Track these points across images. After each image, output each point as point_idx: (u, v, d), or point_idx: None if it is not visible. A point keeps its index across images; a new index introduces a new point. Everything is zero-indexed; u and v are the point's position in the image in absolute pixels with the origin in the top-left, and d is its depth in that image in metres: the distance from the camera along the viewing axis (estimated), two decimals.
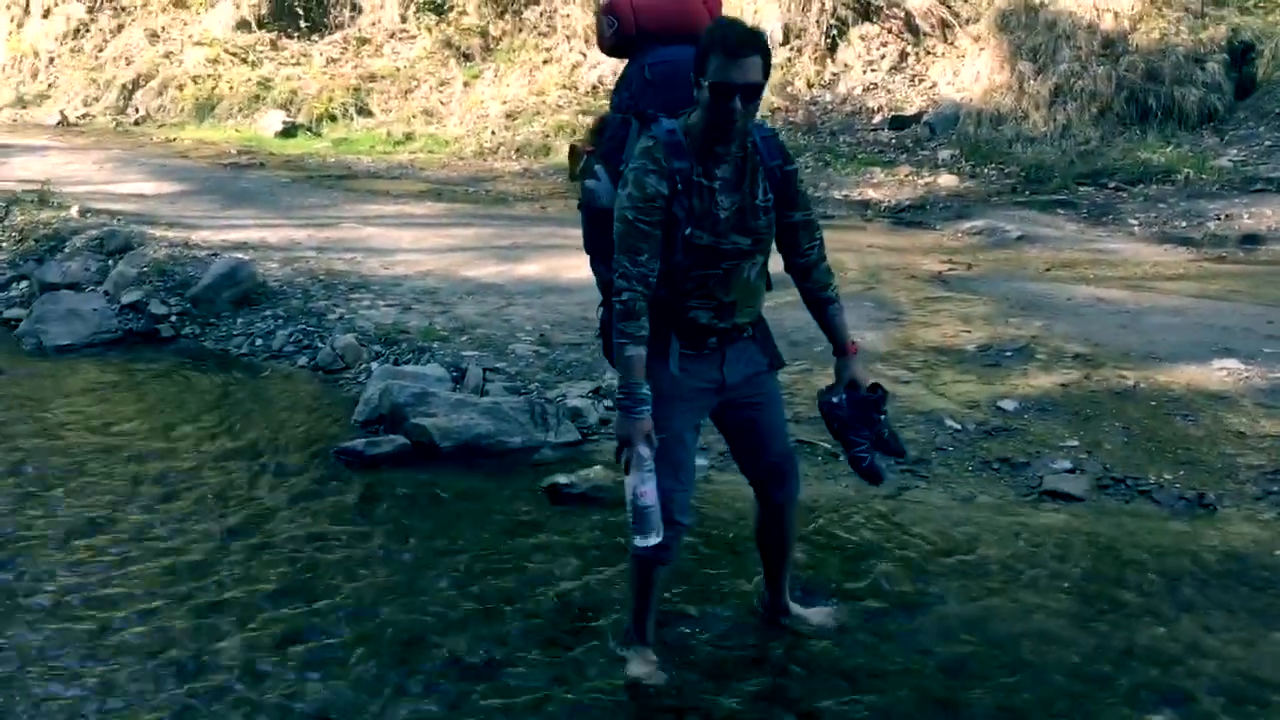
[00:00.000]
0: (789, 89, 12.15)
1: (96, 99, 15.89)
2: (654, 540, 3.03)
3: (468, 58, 14.49)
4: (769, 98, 11.88)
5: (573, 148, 3.30)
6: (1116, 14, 10.92)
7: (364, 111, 14.12)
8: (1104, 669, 3.32)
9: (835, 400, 3.20)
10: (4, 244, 8.13)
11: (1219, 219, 8.46)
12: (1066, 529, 4.13)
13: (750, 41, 2.89)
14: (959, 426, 4.92)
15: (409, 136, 13.31)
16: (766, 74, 2.93)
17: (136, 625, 3.68)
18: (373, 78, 14.56)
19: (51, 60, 16.96)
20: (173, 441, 5.24)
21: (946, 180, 9.98)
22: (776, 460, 3.30)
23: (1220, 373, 5.34)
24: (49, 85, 16.71)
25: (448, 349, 6.05)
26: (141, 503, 4.59)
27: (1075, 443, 4.74)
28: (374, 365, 5.89)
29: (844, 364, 3.23)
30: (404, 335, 6.30)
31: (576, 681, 3.33)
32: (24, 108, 16.33)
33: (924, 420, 4.99)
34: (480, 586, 3.86)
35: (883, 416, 3.20)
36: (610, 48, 3.26)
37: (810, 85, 12.23)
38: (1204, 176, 9.26)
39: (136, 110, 15.43)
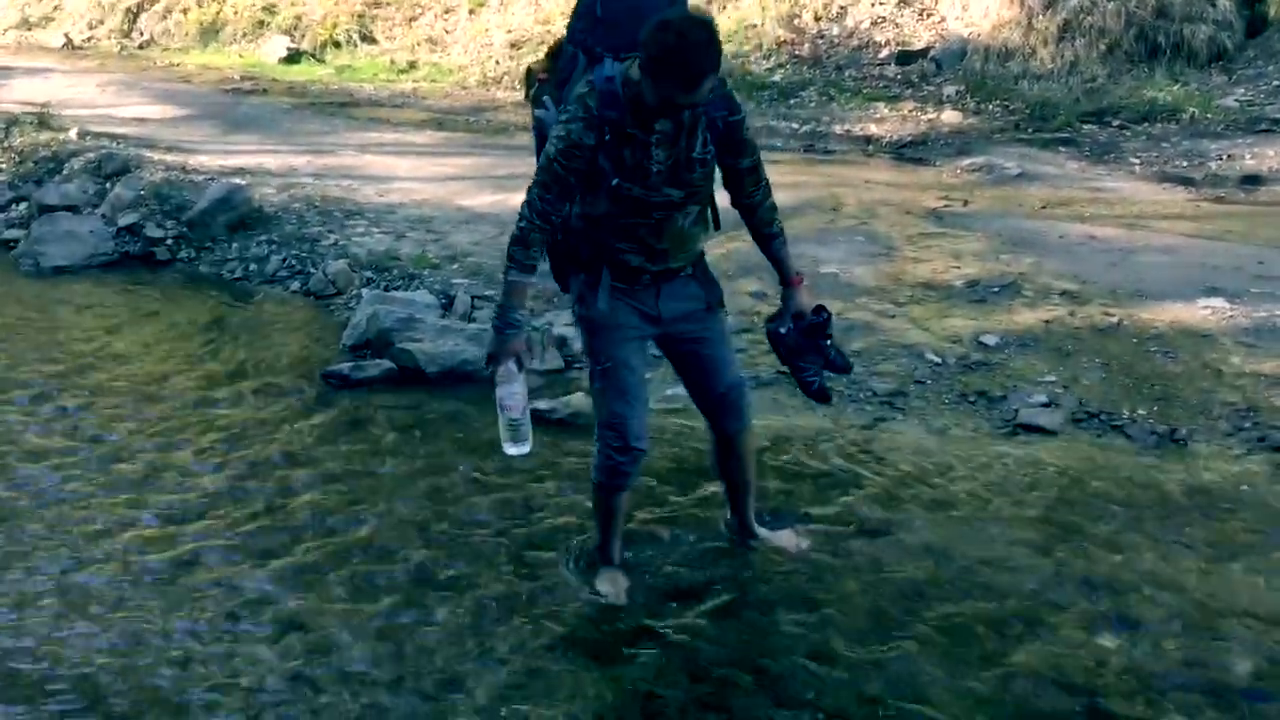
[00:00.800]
0: (796, 22, 11.99)
1: (101, 22, 15.77)
2: (524, 449, 3.18)
3: None
4: (774, 31, 11.78)
5: (529, 69, 3.31)
6: None
7: (368, 39, 13.99)
8: (1060, 595, 3.39)
9: (783, 330, 3.27)
10: (3, 166, 8.16)
11: (1221, 159, 8.38)
12: (1037, 461, 4.18)
13: (706, 63, 2.78)
14: (939, 360, 4.96)
15: (412, 65, 13.19)
16: (719, 66, 2.84)
17: (116, 535, 3.80)
18: (377, 4, 14.40)
19: None
20: (164, 362, 5.32)
21: (950, 116, 9.88)
22: (724, 392, 3.34)
23: (1205, 311, 5.35)
24: (54, 8, 16.57)
25: (438, 276, 6.09)
26: (129, 419, 4.69)
27: (1053, 378, 4.77)
28: (364, 291, 5.93)
29: (790, 294, 3.29)
30: (396, 262, 6.34)
31: (544, 598, 3.43)
32: (29, 30, 16.23)
33: (905, 354, 5.03)
34: (456, 506, 3.96)
35: (828, 340, 3.27)
36: None
37: (817, 19, 12.05)
38: (1209, 116, 9.15)
39: (141, 34, 15.32)
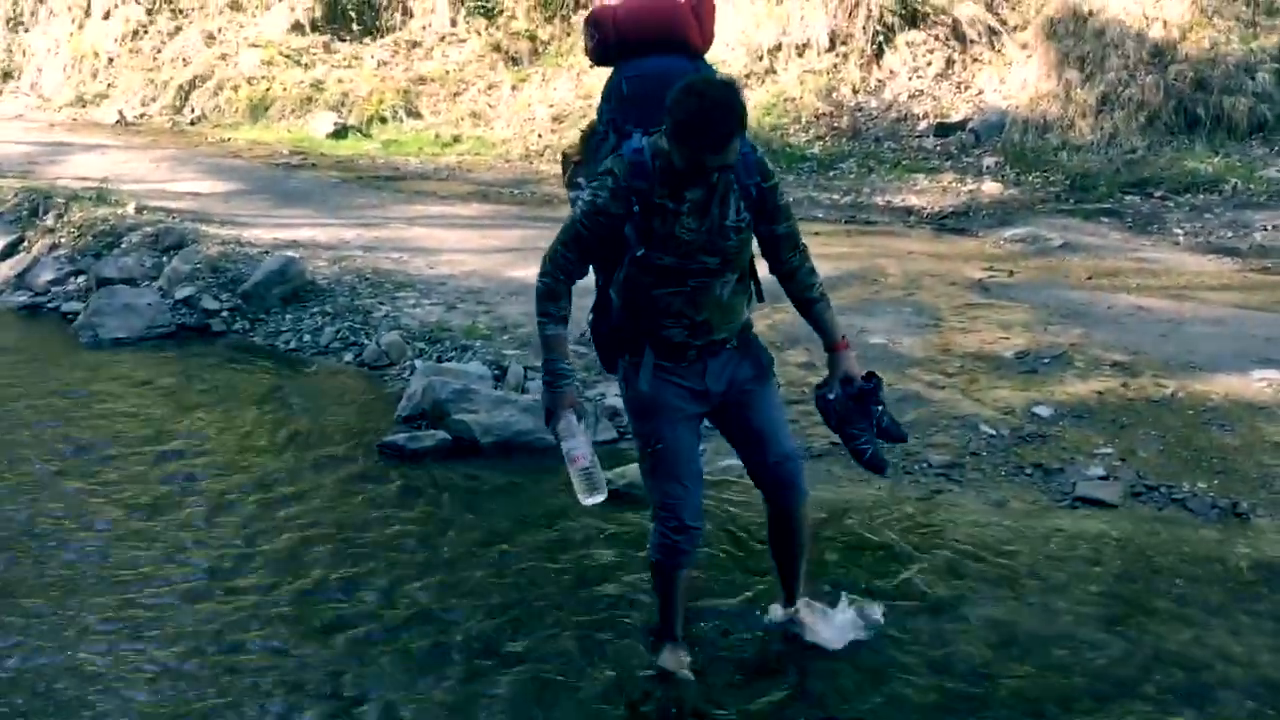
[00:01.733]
0: (834, 95, 12.15)
1: (154, 99, 16.19)
2: (601, 496, 3.15)
3: (516, 61, 14.62)
4: (813, 103, 11.94)
5: (564, 154, 3.41)
6: (1166, 23, 10.82)
7: (413, 114, 14.29)
8: (1130, 672, 3.35)
9: (830, 396, 3.25)
10: (63, 240, 8.35)
11: (1266, 229, 8.38)
12: (1098, 535, 4.15)
13: (732, 123, 2.85)
14: (993, 432, 4.95)
15: (457, 139, 13.46)
16: (744, 126, 2.91)
17: (184, 607, 3.83)
18: (422, 80, 14.74)
19: (111, 61, 17.29)
20: (222, 432, 5.40)
21: (990, 188, 9.96)
22: (778, 462, 3.31)
23: (1260, 383, 5.32)
24: (108, 85, 17.04)
25: (490, 347, 6.16)
26: (191, 490, 4.75)
27: (1110, 450, 4.75)
28: (417, 362, 6.01)
29: (835, 359, 3.27)
30: (447, 333, 6.43)
31: (607, 672, 3.42)
32: (83, 107, 16.68)
33: (958, 425, 5.02)
34: (515, 577, 3.97)
35: (880, 406, 3.24)
36: (595, 58, 3.33)
37: (855, 91, 12.22)
38: (1251, 186, 9.17)
39: (192, 110, 15.71)
